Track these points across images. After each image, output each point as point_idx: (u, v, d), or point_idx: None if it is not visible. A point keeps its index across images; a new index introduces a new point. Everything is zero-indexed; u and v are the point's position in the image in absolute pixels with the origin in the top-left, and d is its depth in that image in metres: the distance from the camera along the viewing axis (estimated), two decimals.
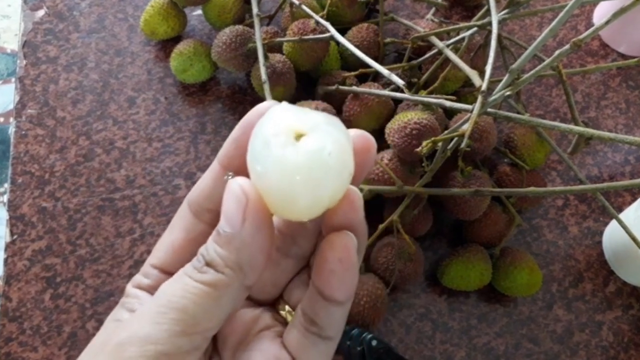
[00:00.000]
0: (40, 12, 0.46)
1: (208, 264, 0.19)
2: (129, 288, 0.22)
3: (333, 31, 0.38)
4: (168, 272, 0.22)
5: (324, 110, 0.37)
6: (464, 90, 0.42)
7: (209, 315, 0.19)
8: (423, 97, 0.35)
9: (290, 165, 0.18)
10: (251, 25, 0.40)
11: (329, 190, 0.18)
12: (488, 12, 0.38)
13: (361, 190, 0.36)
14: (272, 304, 0.23)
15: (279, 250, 0.22)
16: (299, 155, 0.18)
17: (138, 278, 0.22)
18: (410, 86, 0.40)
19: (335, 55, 0.42)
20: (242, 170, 0.20)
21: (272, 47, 0.40)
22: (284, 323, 0.22)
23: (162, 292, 0.19)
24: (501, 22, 0.36)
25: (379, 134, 0.38)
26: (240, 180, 0.18)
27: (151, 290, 0.22)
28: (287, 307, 0.23)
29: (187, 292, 0.19)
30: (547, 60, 0.30)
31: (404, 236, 0.35)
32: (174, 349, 0.18)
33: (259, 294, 0.23)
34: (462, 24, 0.39)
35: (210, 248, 0.19)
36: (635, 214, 0.37)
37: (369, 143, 0.20)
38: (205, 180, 0.22)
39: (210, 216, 0.22)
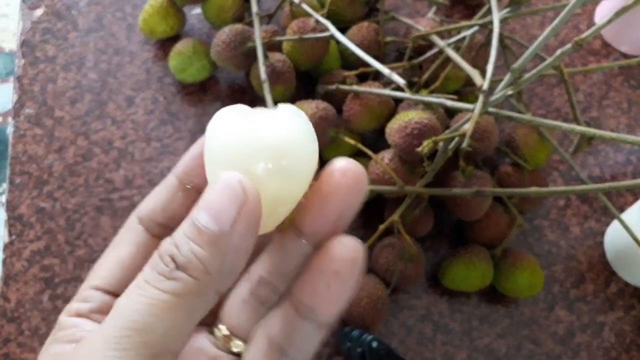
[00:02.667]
0: (39, 11, 0.46)
1: (180, 267, 0.16)
2: (64, 318, 0.19)
3: (333, 30, 0.37)
4: (115, 293, 0.19)
5: (324, 109, 0.37)
6: (465, 90, 0.41)
7: (180, 330, 0.16)
8: (424, 96, 0.35)
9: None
10: (251, 24, 0.40)
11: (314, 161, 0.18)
12: (489, 11, 0.37)
13: None
14: (208, 322, 0.21)
15: None
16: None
17: (75, 305, 0.19)
18: (411, 85, 0.40)
19: (335, 54, 0.42)
20: (202, 186, 0.18)
21: (271, 46, 0.40)
22: (226, 349, 0.20)
23: (120, 310, 0.16)
24: (502, 21, 0.35)
25: (379, 133, 0.38)
26: (238, 174, 0.16)
27: (93, 315, 0.19)
28: (222, 328, 0.20)
29: (153, 306, 0.16)
30: (549, 60, 0.30)
31: (404, 237, 0.35)
32: None
33: None
34: (463, 23, 0.38)
35: (185, 247, 0.16)
36: (637, 215, 0.37)
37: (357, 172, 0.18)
38: (160, 194, 0.20)
39: (161, 231, 0.20)
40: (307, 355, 0.18)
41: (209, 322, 0.21)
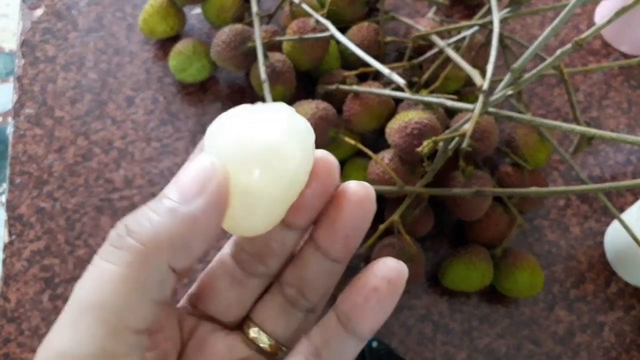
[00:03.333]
0: (39, 11, 0.46)
1: (131, 233, 0.16)
2: None
3: (333, 30, 0.37)
4: None
5: (323, 109, 0.37)
6: (465, 90, 0.41)
7: (134, 305, 0.16)
8: (424, 96, 0.35)
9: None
10: (251, 24, 0.40)
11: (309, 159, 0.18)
12: (489, 11, 0.37)
13: None
14: (239, 325, 0.21)
15: (244, 270, 0.21)
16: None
17: None
18: (411, 85, 0.40)
19: (335, 54, 0.42)
20: None
21: (271, 46, 0.40)
22: (259, 350, 0.20)
23: (75, 291, 0.16)
24: (503, 21, 0.35)
25: (379, 133, 0.38)
26: (212, 156, 0.17)
27: None
28: (254, 328, 0.21)
29: (102, 281, 0.15)
30: (549, 60, 0.30)
31: (404, 237, 0.35)
32: (105, 356, 0.15)
33: (225, 315, 0.21)
34: (463, 23, 0.38)
35: (142, 215, 0.16)
36: (637, 215, 0.37)
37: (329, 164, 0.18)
38: None
39: None
40: None
41: (240, 324, 0.21)
